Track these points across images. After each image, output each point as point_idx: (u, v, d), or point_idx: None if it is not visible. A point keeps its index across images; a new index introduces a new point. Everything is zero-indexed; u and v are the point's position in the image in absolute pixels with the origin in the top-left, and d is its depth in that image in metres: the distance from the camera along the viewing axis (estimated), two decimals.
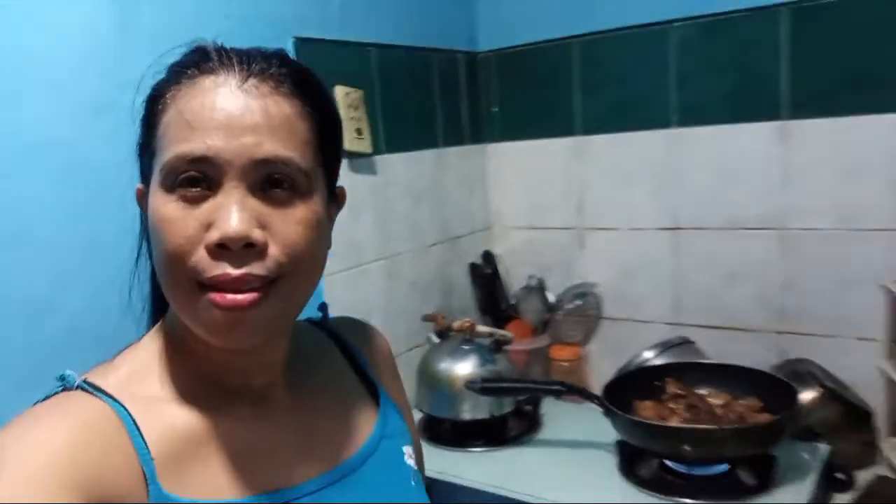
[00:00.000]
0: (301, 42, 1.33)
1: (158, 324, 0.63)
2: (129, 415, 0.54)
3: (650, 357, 1.53)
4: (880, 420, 1.38)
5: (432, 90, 1.69)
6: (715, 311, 1.60)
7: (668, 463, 1.22)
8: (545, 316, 1.77)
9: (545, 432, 1.44)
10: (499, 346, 1.44)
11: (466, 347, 1.43)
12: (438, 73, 1.71)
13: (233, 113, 0.54)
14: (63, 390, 0.55)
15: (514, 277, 1.85)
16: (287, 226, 0.55)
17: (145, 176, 0.60)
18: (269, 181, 0.55)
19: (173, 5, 1.11)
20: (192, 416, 0.57)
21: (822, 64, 1.42)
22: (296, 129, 0.57)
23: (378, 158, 1.51)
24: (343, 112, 1.39)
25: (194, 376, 0.60)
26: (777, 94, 1.47)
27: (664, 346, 1.55)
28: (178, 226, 0.53)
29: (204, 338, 0.55)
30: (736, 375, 1.33)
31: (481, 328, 1.48)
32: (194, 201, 0.54)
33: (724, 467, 1.19)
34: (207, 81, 0.55)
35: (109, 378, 0.57)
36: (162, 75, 0.59)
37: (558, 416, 1.48)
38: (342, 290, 1.41)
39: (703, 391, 1.32)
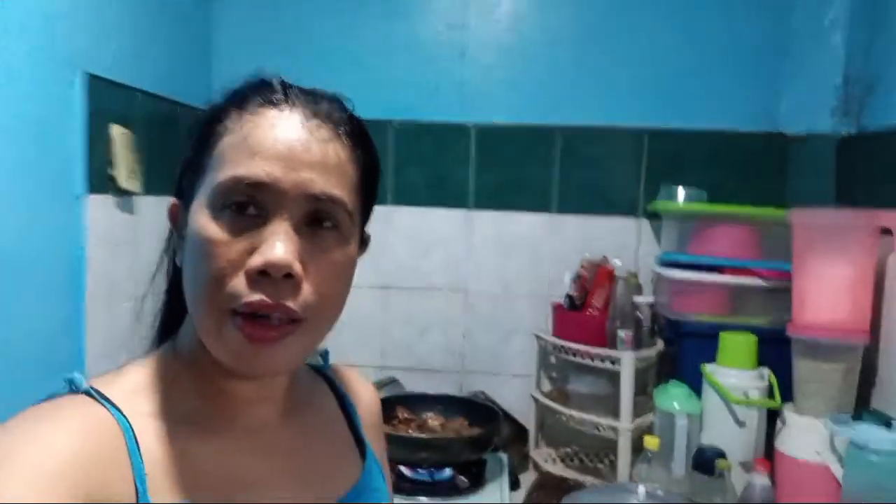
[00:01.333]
0: (92, 78, 1.34)
1: (169, 341, 0.64)
2: (130, 427, 0.54)
3: None
4: (531, 436, 1.89)
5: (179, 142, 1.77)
6: (411, 356, 1.98)
7: (403, 469, 1.50)
8: None
9: None
10: None
11: None
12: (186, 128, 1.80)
13: (294, 147, 0.56)
14: (69, 393, 0.55)
15: None
16: (323, 268, 0.57)
17: (184, 193, 0.61)
18: (316, 217, 0.57)
19: None
20: (190, 437, 0.57)
21: (494, 170, 1.95)
22: (347, 173, 0.59)
23: (139, 199, 1.54)
24: (119, 151, 1.42)
25: (198, 398, 0.60)
26: (465, 188, 1.96)
27: (380, 385, 1.85)
28: (223, 249, 0.54)
29: (224, 362, 0.57)
30: (446, 402, 1.70)
31: None
32: (241, 226, 0.55)
33: (448, 472, 1.52)
34: (273, 113, 0.57)
35: (115, 388, 0.57)
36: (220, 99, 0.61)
37: None
38: (101, 325, 1.40)
39: (424, 415, 1.65)
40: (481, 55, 1.94)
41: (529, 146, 1.94)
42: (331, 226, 0.58)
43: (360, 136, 0.63)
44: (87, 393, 0.55)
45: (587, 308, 1.74)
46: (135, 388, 0.58)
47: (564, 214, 1.94)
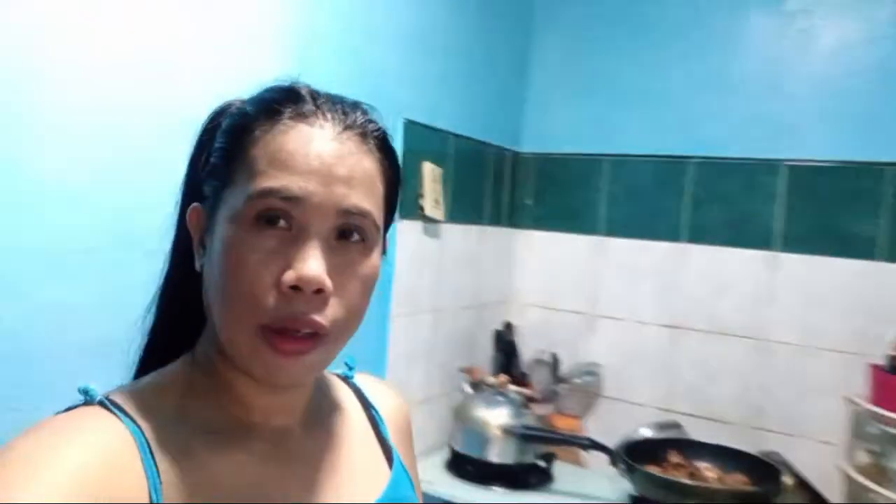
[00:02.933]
0: (409, 123, 1.60)
1: (188, 353, 0.63)
2: (145, 438, 0.54)
3: (647, 434, 1.78)
4: None
5: (485, 177, 1.98)
6: (700, 403, 1.88)
7: None
8: (551, 387, 2.00)
9: (557, 485, 1.65)
10: (528, 401, 1.67)
11: (500, 399, 1.66)
12: (493, 164, 2.00)
13: (327, 161, 0.56)
14: (84, 404, 0.55)
15: (527, 348, 2.09)
16: (350, 281, 0.57)
17: (206, 200, 0.60)
18: (345, 231, 0.57)
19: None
20: (207, 447, 0.57)
21: (808, 211, 1.77)
22: (375, 185, 0.59)
23: (442, 226, 1.76)
24: (428, 184, 1.65)
25: (214, 408, 0.60)
26: (771, 229, 1.81)
27: (659, 426, 1.80)
28: (253, 262, 0.54)
29: (249, 373, 0.57)
30: (726, 455, 1.59)
31: (512, 386, 1.71)
32: (273, 239, 0.55)
33: None
34: (304, 125, 0.57)
35: (131, 399, 0.57)
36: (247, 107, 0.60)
37: (568, 474, 1.70)
38: (402, 332, 1.63)
39: (698, 464, 1.57)
40: (797, 89, 1.80)
41: (851, 185, 1.73)
42: (358, 239, 0.58)
43: (386, 147, 0.62)
44: (101, 404, 0.55)
45: None
46: (151, 398, 0.58)
47: (894, 263, 1.68)
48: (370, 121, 0.60)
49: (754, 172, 1.84)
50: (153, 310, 0.66)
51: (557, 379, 2.00)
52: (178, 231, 0.65)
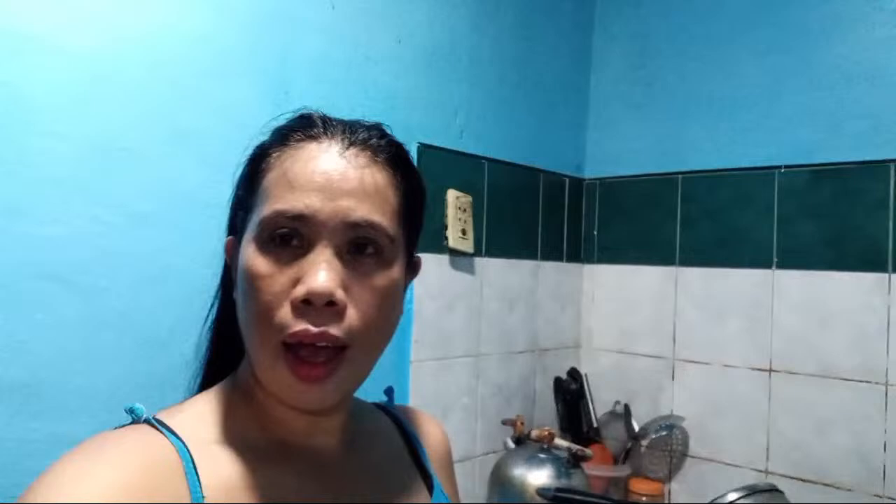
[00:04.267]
0: (424, 147, 1.46)
1: (231, 374, 0.65)
2: (190, 455, 0.55)
3: (735, 499, 1.45)
4: None
5: (537, 206, 1.79)
6: (806, 462, 1.53)
7: None
8: (627, 444, 1.73)
9: None
10: (577, 460, 1.42)
11: (543, 456, 1.42)
12: (544, 192, 1.81)
13: (332, 177, 0.57)
14: (132, 423, 0.57)
15: (599, 401, 1.83)
16: (366, 292, 0.57)
17: (237, 230, 0.62)
18: (357, 244, 0.57)
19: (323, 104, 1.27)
20: (251, 466, 0.58)
21: None
22: (387, 198, 0.59)
23: (477, 260, 1.59)
24: (451, 213, 1.50)
25: (257, 428, 0.61)
26: (883, 245, 1.47)
27: (751, 490, 1.47)
28: (268, 281, 0.55)
29: (276, 396, 0.58)
30: None
31: (560, 441, 1.47)
32: (286, 258, 0.56)
33: None
34: (312, 146, 0.59)
35: (176, 418, 0.58)
36: (266, 138, 0.63)
37: None
38: (429, 378, 1.46)
39: None
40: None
41: None
42: (373, 251, 0.58)
43: (400, 160, 0.62)
44: (148, 422, 0.57)
45: None
46: (195, 417, 0.60)
47: None
48: (381, 135, 0.61)
49: (855, 178, 1.52)
50: (206, 343, 0.69)
51: (632, 435, 1.72)
52: (225, 265, 0.67)
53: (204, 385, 0.68)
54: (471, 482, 1.51)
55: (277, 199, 0.57)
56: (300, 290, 0.54)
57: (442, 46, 1.52)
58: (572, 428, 1.74)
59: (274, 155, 0.60)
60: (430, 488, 0.72)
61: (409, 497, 0.69)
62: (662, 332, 1.78)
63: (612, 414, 1.78)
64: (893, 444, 1.43)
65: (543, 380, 1.78)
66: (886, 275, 1.46)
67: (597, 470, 1.65)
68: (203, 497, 0.53)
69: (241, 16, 1.17)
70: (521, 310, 1.72)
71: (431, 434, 0.78)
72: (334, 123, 0.61)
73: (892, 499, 1.41)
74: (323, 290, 0.54)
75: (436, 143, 1.49)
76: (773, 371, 1.59)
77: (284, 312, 0.55)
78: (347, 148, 0.59)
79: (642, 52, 1.87)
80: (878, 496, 1.44)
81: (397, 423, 0.76)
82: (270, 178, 0.59)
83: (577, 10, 1.92)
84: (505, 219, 1.68)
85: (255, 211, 0.59)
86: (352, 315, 0.56)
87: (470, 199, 1.55)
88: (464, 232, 1.52)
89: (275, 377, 0.56)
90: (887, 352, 1.45)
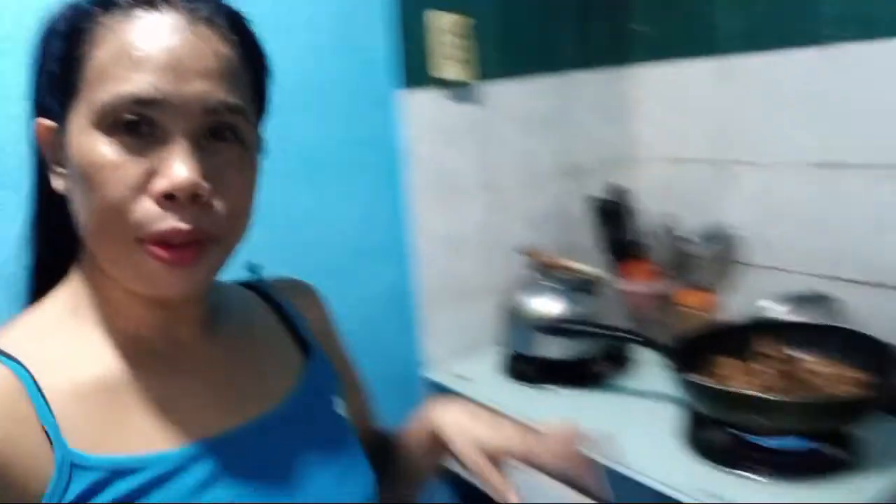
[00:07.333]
0: None
1: (65, 282, 0.61)
2: (29, 375, 0.52)
3: (771, 309, 1.34)
4: None
5: (560, 10, 1.58)
6: (873, 266, 1.34)
7: (738, 432, 1.08)
8: (677, 258, 1.62)
9: (632, 379, 1.35)
10: (589, 286, 1.37)
11: (556, 286, 1.38)
12: None
13: (183, 56, 0.51)
14: None
15: (647, 215, 1.71)
16: (231, 182, 0.54)
17: (54, 113, 0.55)
18: (214, 130, 0.53)
19: None
20: (104, 373, 0.56)
21: None
22: (241, 77, 0.56)
23: (484, 86, 1.47)
24: (437, 38, 1.37)
25: (107, 332, 0.58)
26: None
27: (794, 300, 1.34)
28: (120, 173, 0.50)
29: (139, 290, 0.55)
30: (840, 339, 1.13)
31: (577, 266, 1.41)
32: (136, 147, 0.51)
33: (798, 441, 1.02)
34: (151, 17, 0.52)
35: (7, 338, 0.55)
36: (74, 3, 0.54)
37: (650, 363, 1.36)
38: (434, 220, 1.43)
39: (800, 354, 1.13)
40: None
41: None
42: (231, 137, 0.55)
43: (247, 34, 0.58)
44: None
45: None
46: (30, 334, 0.56)
47: None
48: (223, 7, 0.56)
49: None
50: (28, 243, 0.63)
51: (682, 248, 1.60)
52: (36, 154, 0.60)
53: (37, 297, 0.62)
54: (491, 316, 1.50)
55: (119, 80, 0.50)
56: (162, 184, 0.50)
57: None
58: (612, 248, 1.65)
59: (99, 24, 0.52)
60: (309, 354, 0.72)
61: (281, 370, 0.68)
62: (713, 134, 1.58)
63: (662, 227, 1.66)
64: None
65: (581, 202, 1.68)
66: None
67: (641, 286, 1.59)
68: (52, 413, 0.52)
69: None
70: (547, 132, 1.59)
71: (306, 301, 0.77)
72: None
73: None
74: (187, 182, 0.50)
75: None
76: (837, 166, 1.37)
77: (144, 208, 0.51)
78: (195, 22, 0.53)
79: None
80: None
81: (267, 298, 0.74)
82: (102, 54, 0.51)
83: None
84: (517, 33, 1.50)
85: (83, 92, 0.52)
86: (218, 206, 0.53)
87: (465, 20, 1.40)
88: (457, 59, 1.40)
89: (136, 269, 0.53)
90: None
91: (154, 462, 0.54)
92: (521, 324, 1.39)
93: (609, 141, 1.72)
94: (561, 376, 1.35)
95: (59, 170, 0.56)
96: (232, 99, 0.53)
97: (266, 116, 0.62)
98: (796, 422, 1.00)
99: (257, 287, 0.75)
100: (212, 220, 0.53)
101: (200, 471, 0.56)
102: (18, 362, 0.52)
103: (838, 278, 1.38)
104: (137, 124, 0.51)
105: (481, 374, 1.43)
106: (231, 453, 0.58)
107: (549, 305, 1.36)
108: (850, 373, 1.06)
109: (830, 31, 1.32)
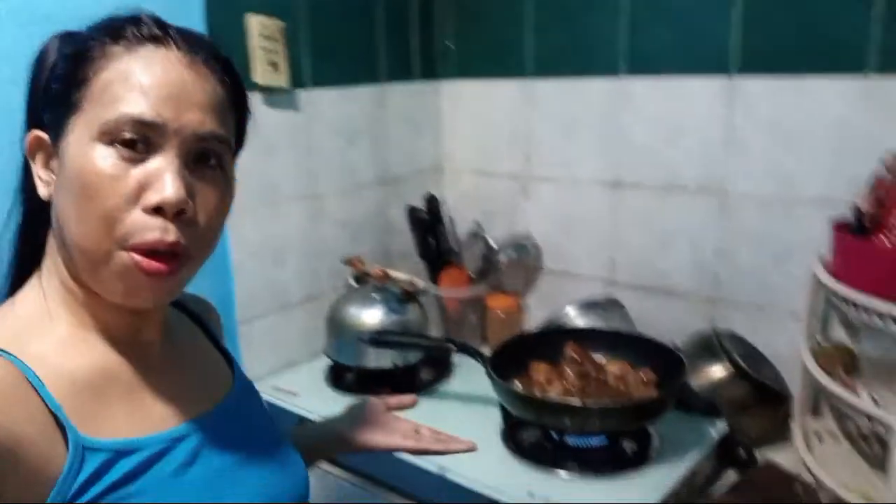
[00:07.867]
0: None
1: (29, 286, 0.64)
2: (27, 366, 0.56)
3: (571, 314, 1.49)
4: (796, 400, 1.33)
5: (374, 22, 1.61)
6: (648, 273, 1.54)
7: (550, 433, 1.19)
8: (485, 264, 1.73)
9: (453, 384, 1.42)
10: (408, 295, 1.42)
11: (376, 296, 1.41)
12: (384, 5, 1.62)
13: (183, 88, 0.58)
14: None
15: (461, 224, 1.80)
16: (210, 204, 0.60)
17: (50, 126, 0.60)
18: (201, 156, 0.60)
19: None
20: (88, 367, 0.60)
21: (774, 19, 1.30)
22: (228, 113, 0.63)
23: (301, 93, 1.45)
24: (256, 43, 1.33)
25: (84, 334, 0.62)
26: (726, 47, 1.36)
27: (588, 306, 1.51)
28: (115, 184, 0.56)
29: (116, 298, 0.60)
30: (636, 344, 1.29)
31: (396, 275, 1.45)
32: (131, 162, 0.57)
33: (602, 439, 1.16)
34: (158, 52, 0.59)
35: (5, 335, 0.58)
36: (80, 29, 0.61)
37: (472, 368, 1.44)
38: (251, 229, 1.39)
39: (602, 358, 1.28)
40: None
41: None
42: (215, 164, 0.61)
43: (234, 76, 0.65)
44: None
45: (880, 232, 1.09)
46: (17, 332, 0.59)
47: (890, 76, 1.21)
48: (217, 51, 0.63)
49: None
50: (12, 251, 0.67)
51: (490, 254, 1.71)
52: (26, 164, 0.64)
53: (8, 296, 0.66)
54: (313, 327, 1.50)
55: (125, 101, 0.57)
56: (153, 198, 0.56)
57: None
58: (428, 255, 1.72)
59: (108, 52, 0.59)
60: (228, 359, 0.80)
61: (219, 369, 0.77)
62: (517, 150, 1.70)
63: (470, 235, 1.76)
64: (725, 251, 1.43)
65: (399, 210, 1.73)
66: (731, 79, 1.37)
67: (453, 292, 1.67)
68: (58, 402, 0.55)
69: None
70: (366, 141, 1.62)
71: (213, 318, 0.84)
72: (170, 29, 0.61)
73: (722, 299, 1.45)
74: (177, 199, 0.56)
75: None
76: (620, 185, 1.55)
77: (133, 218, 0.56)
78: (194, 60, 0.60)
79: None
80: (709, 299, 1.47)
81: (181, 307, 0.79)
82: (109, 77, 0.58)
83: None
84: (333, 42, 1.51)
85: (86, 110, 0.58)
86: (200, 223, 0.60)
87: (281, 24, 1.38)
88: (274, 65, 1.37)
89: (118, 274, 0.57)
90: (725, 161, 1.40)
91: (150, 442, 0.61)
92: (342, 335, 1.40)
93: (423, 151, 1.78)
94: (386, 385, 1.38)
95: (47, 178, 0.61)
96: (221, 131, 0.61)
97: (241, 149, 0.69)
98: (599, 423, 1.13)
99: (175, 302, 0.79)
100: (190, 236, 0.59)
101: (185, 449, 0.64)
102: (17, 357, 0.56)
103: (626, 285, 1.57)
104: (134, 143, 0.57)
105: (307, 385, 1.42)
106: (208, 432, 0.67)
107: (369, 315, 1.39)
108: (645, 375, 1.21)
109: (620, 64, 1.49)
